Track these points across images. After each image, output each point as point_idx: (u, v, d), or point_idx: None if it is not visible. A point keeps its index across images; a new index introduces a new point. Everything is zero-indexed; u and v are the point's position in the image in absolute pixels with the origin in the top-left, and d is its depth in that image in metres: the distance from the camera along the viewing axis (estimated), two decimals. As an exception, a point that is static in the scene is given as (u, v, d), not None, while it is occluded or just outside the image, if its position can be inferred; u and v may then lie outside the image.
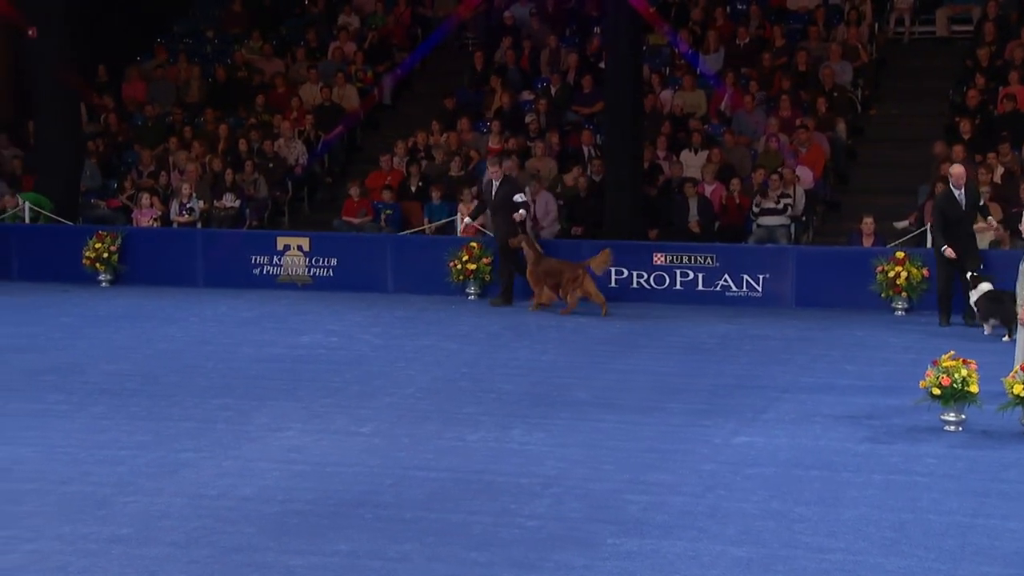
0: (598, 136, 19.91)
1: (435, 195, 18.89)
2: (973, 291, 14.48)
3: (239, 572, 7.38)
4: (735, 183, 18.32)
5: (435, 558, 7.64)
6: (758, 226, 17.97)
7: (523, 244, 15.80)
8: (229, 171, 19.65)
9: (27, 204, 18.76)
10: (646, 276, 16.95)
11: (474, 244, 17.11)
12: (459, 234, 16.64)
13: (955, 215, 14.88)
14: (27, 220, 18.72)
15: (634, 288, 16.95)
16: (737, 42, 21.31)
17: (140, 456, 9.58)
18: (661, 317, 15.84)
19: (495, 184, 16.10)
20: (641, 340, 14.48)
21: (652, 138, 19.30)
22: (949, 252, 14.71)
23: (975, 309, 14.51)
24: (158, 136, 21.10)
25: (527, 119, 20.43)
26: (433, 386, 12.11)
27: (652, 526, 8.17)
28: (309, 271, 17.91)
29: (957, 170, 15.07)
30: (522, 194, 16.04)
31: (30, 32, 19.19)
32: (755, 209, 18.05)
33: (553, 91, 20.99)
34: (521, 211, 15.85)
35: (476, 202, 17.19)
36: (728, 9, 22.23)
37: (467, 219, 16.79)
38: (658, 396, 11.67)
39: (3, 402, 11.14)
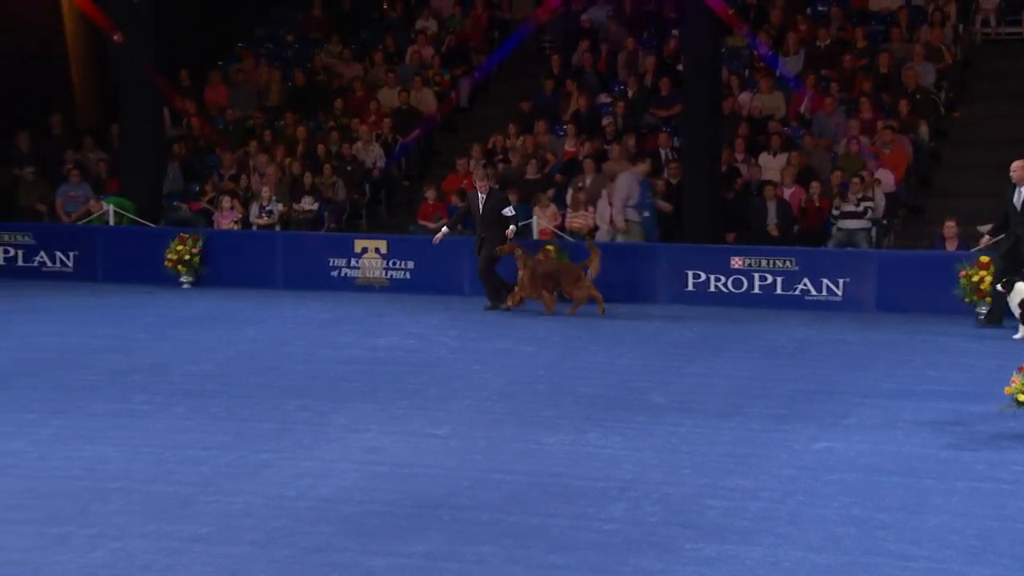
0: (675, 139, 19.83)
1: (512, 198, 18.91)
2: (1010, 295, 14.28)
3: (319, 572, 7.45)
4: (815, 186, 18.15)
5: (512, 561, 7.65)
6: (838, 229, 17.78)
7: (516, 252, 15.75)
8: (308, 174, 19.84)
9: (111, 207, 19.07)
10: (724, 280, 16.85)
11: (550, 247, 17.12)
12: (434, 243, 16.49)
13: (1011, 213, 14.81)
14: (111, 223, 19.04)
15: (711, 292, 16.87)
16: (818, 44, 21.11)
17: (221, 456, 9.70)
18: (739, 321, 15.73)
19: (481, 197, 16.03)
20: (719, 344, 14.39)
21: (730, 140, 19.18)
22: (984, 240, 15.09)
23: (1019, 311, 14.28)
24: (239, 139, 21.37)
25: (604, 122, 20.39)
26: (509, 389, 12.12)
27: (731, 532, 8.11)
28: (387, 273, 18.03)
29: (1016, 164, 14.86)
30: (511, 207, 16.09)
31: (116, 37, 19.53)
32: (835, 212, 17.86)
33: (630, 94, 20.93)
34: (511, 227, 15.89)
35: (450, 217, 17.17)
36: (809, 11, 22.03)
37: (442, 231, 16.48)
38: (736, 400, 11.59)
39: (89, 402, 11.34)
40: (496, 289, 16.06)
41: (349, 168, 20.28)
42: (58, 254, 18.73)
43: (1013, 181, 14.83)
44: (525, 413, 11.16)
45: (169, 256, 18.08)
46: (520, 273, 15.77)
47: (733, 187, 18.82)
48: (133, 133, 19.76)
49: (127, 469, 9.31)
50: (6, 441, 10.01)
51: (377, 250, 18.04)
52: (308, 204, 19.55)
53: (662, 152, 19.72)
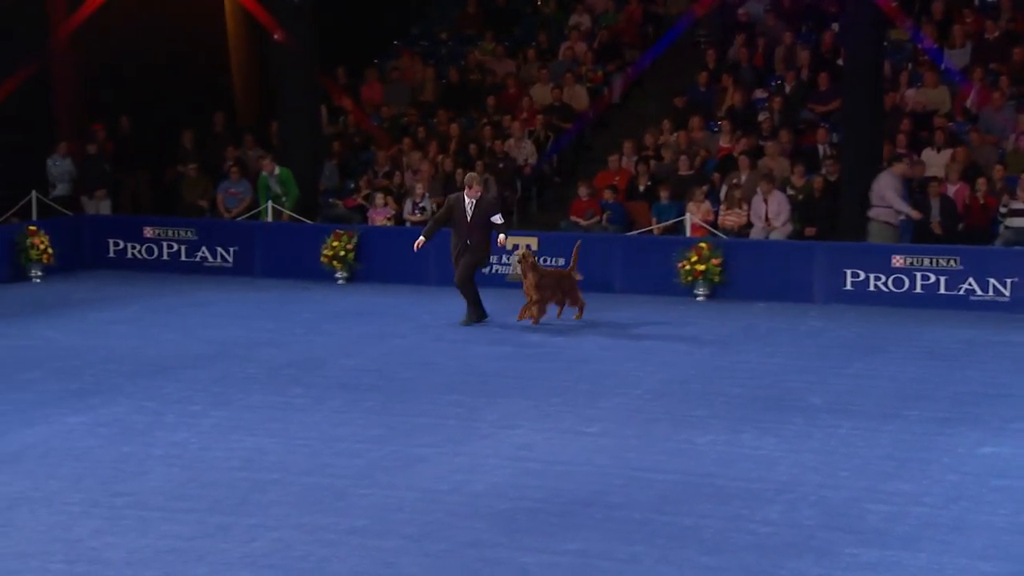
0: (834, 135, 19.45)
1: (663, 195, 18.81)
2: None
3: (472, 567, 7.52)
4: (981, 183, 17.61)
5: (665, 561, 7.61)
6: (1006, 227, 17.21)
7: (526, 259, 15.26)
8: (460, 171, 20.00)
9: (269, 205, 19.50)
10: (884, 279, 16.48)
11: (703, 245, 16.96)
12: (415, 249, 15.51)
13: None
14: (270, 218, 19.49)
15: (871, 291, 16.50)
16: (986, 36, 20.45)
17: (376, 450, 9.86)
18: (900, 321, 15.36)
19: (469, 203, 15.00)
20: (878, 344, 14.08)
21: (891, 136, 18.73)
22: None
23: None
24: (394, 136, 21.68)
25: (760, 117, 20.11)
26: (662, 388, 12.06)
27: (893, 537, 7.93)
28: (538, 270, 18.05)
29: None
30: (499, 214, 15.31)
31: (277, 36, 19.99)
32: (1003, 210, 17.30)
33: (787, 89, 20.60)
34: (502, 236, 15.25)
35: (430, 221, 15.91)
36: (977, 2, 21.36)
37: (420, 240, 15.34)
38: (897, 403, 11.33)
39: (248, 394, 11.63)
40: (477, 300, 15.14)
41: (501, 165, 20.39)
42: (219, 249, 19.25)
43: None
44: (677, 412, 11.09)
45: (325, 252, 18.43)
46: (525, 282, 15.22)
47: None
48: (292, 131, 20.20)
49: (284, 461, 9.53)
50: (171, 432, 10.33)
51: (528, 246, 18.08)
52: (460, 201, 19.69)
53: (820, 148, 19.36)
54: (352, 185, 20.79)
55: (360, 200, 20.25)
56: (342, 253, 18.38)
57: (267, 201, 19.38)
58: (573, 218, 19.25)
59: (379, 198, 19.70)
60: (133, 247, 19.47)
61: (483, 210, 15.09)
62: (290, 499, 8.64)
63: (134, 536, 7.88)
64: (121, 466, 9.24)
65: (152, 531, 7.97)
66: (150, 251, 19.41)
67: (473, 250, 15.06)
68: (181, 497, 8.67)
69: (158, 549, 7.67)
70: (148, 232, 19.46)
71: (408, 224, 19.44)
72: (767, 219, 18.03)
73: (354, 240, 18.45)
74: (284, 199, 19.34)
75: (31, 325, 14.88)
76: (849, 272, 16.50)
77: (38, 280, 18.15)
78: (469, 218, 15.02)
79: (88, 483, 8.01)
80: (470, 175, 15.68)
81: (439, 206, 19.43)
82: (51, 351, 13.46)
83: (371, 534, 8.02)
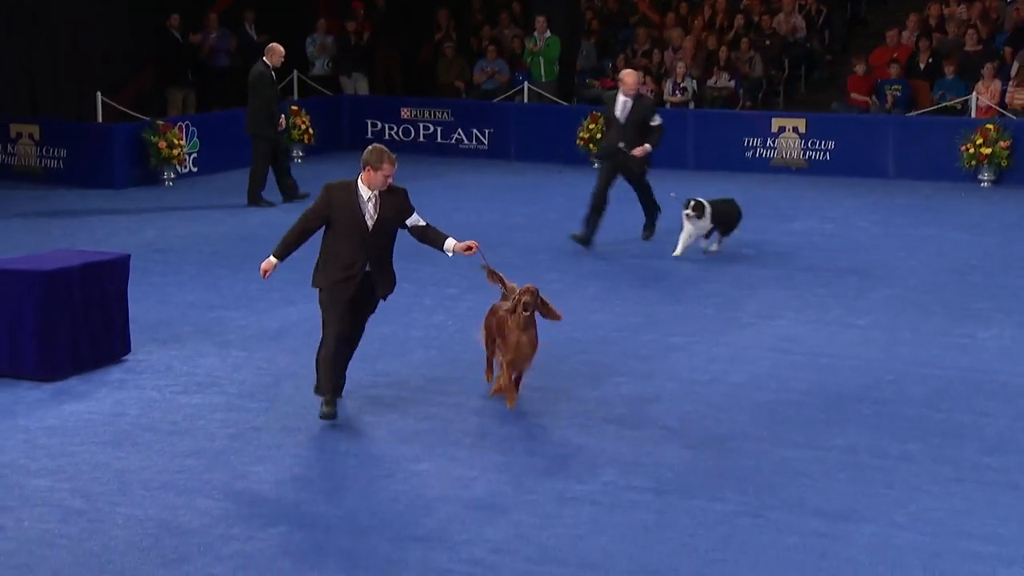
0: None
1: (948, 70, 17.94)
2: None
3: (733, 461, 7.48)
4: None
5: (941, 460, 7.39)
6: None
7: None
8: (724, 48, 19.60)
9: (525, 84, 19.58)
10: None
11: (990, 127, 16.17)
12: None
13: None
14: (525, 99, 19.59)
15: None
16: None
17: (632, 338, 9.89)
18: None
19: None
20: None
21: None
22: None
23: None
24: (658, 10, 21.33)
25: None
26: (938, 279, 11.64)
27: None
28: (804, 154, 17.65)
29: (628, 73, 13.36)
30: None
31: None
32: None
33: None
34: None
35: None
36: None
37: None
38: None
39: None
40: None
41: (768, 42, 19.85)
42: (474, 131, 19.52)
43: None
44: (956, 305, 10.70)
45: (581, 135, 18.43)
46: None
47: None
48: (551, 10, 20.17)
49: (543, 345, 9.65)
50: (428, 314, 10.63)
51: (795, 129, 17.66)
52: (723, 81, 19.33)
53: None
54: (609, 65, 20.64)
55: (618, 80, 20.08)
56: (598, 136, 18.32)
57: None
58: (854, 94, 18.51)
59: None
60: (391, 128, 19.94)
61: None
62: (546, 384, 8.75)
63: (394, 417, 8.17)
64: (383, 347, 9.55)
65: (411, 413, 8.24)
66: (407, 132, 19.85)
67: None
68: (437, 380, 8.92)
69: (418, 430, 7.93)
70: (405, 113, 19.88)
71: (668, 105, 19.21)
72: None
73: (612, 122, 18.34)
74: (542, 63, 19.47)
75: (295, 204, 15.45)
76: None
77: (299, 161, 18.80)
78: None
79: (352, 362, 8.32)
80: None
81: (701, 85, 19.15)
82: (311, 233, 13.97)
83: (628, 423, 8.07)
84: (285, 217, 14.82)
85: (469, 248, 8.18)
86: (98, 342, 9.20)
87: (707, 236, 12.67)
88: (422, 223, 8.18)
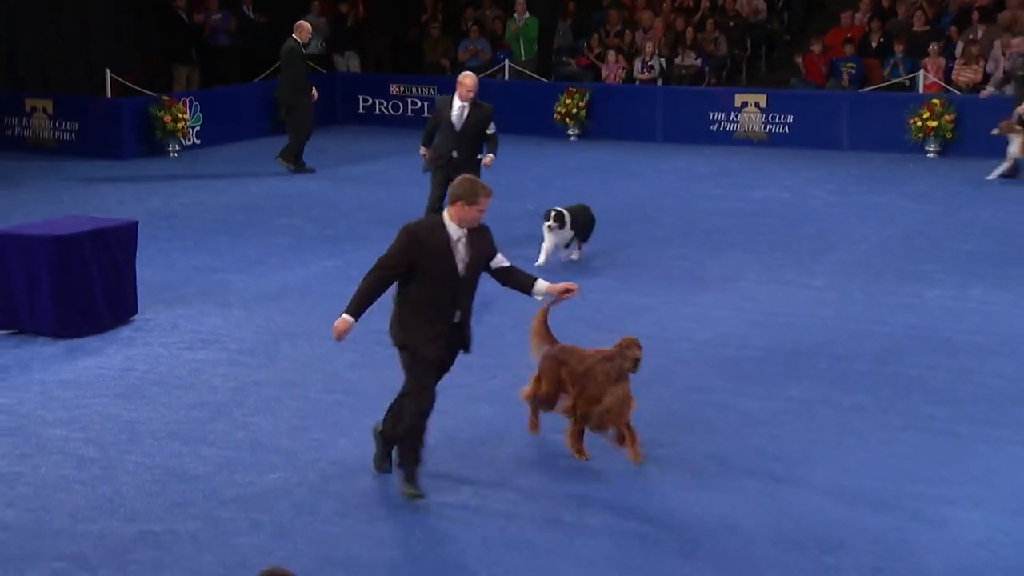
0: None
1: (898, 49, 17.90)
2: None
3: (697, 410, 7.51)
4: None
5: (890, 410, 7.43)
6: None
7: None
8: (691, 29, 19.52)
9: (506, 62, 19.48)
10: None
11: (936, 101, 16.16)
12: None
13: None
14: (506, 76, 19.48)
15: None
16: None
17: (605, 300, 9.87)
18: None
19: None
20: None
21: None
22: None
23: None
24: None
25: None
26: (888, 244, 11.66)
27: (1125, 395, 7.53)
28: (765, 128, 17.62)
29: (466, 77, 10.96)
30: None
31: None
32: None
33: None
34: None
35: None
36: None
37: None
38: None
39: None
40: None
41: (732, 23, 19.77)
42: (458, 107, 19.39)
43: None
44: (904, 267, 10.72)
45: (558, 109, 18.36)
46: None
47: None
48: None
49: (520, 308, 9.63)
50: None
51: (757, 104, 17.63)
52: (690, 59, 19.27)
53: (1063, 1, 18.05)
54: (584, 44, 20.54)
55: (592, 59, 20.01)
56: (574, 111, 18.27)
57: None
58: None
59: (610, 56, 19.43)
60: (380, 103, 19.81)
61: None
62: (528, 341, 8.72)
63: (387, 371, 8.15)
64: (374, 306, 9.49)
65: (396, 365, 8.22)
66: (395, 107, 19.72)
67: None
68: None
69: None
70: (394, 89, 19.75)
71: (638, 82, 19.14)
72: (1004, 75, 16.97)
73: (586, 98, 18.29)
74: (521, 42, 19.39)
75: (291, 175, 15.38)
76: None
77: (294, 135, 18.64)
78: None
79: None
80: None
81: (668, 64, 19.08)
82: (308, 201, 13.92)
83: (601, 376, 8.06)
84: (289, 187, 14.82)
85: (569, 291, 6.58)
86: (109, 302, 9.15)
87: (567, 245, 11.08)
88: (506, 264, 6.54)
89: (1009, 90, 15.89)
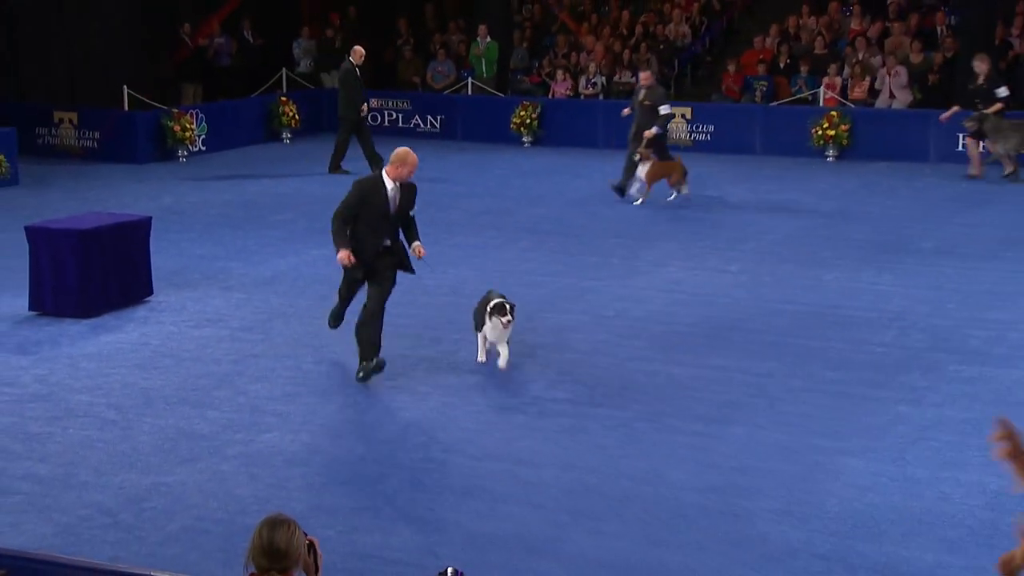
0: (952, 17, 18.25)
1: (803, 69, 18.00)
2: None
3: (633, 377, 7.54)
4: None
5: (795, 375, 7.50)
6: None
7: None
8: (627, 51, 19.52)
9: (469, 80, 19.42)
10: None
11: (834, 113, 16.27)
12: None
13: None
14: (469, 92, 19.42)
15: (981, 152, 15.60)
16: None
17: (555, 282, 9.90)
18: (1014, 180, 14.52)
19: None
20: (986, 197, 13.37)
21: (1007, 17, 17.44)
22: None
23: None
24: (575, 22, 21.17)
25: (888, 1, 18.98)
26: (793, 234, 11.73)
27: (991, 356, 7.65)
28: (690, 136, 17.67)
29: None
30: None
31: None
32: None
33: (912, -25, 19.31)
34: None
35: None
36: None
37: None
38: (999, 247, 10.80)
39: (452, 235, 11.76)
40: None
41: (662, 46, 19.80)
42: (429, 117, 19.31)
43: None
44: (806, 254, 10.80)
45: (514, 120, 18.32)
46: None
47: (1005, 59, 17.19)
48: (490, 19, 19.96)
49: (480, 289, 9.58)
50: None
51: (683, 116, 17.66)
52: (627, 77, 19.26)
53: (938, 29, 18.21)
54: (536, 64, 20.51)
55: (543, 76, 19.98)
56: (528, 121, 18.24)
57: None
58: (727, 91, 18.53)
59: (559, 75, 19.41)
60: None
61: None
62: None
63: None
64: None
65: (395, 348, 8.18)
66: (374, 118, 19.49)
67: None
68: (402, 316, 8.85)
69: (386, 351, 7.81)
70: (373, 103, 19.60)
71: (582, 97, 19.13)
72: (891, 91, 17.14)
73: (538, 111, 18.27)
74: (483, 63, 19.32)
75: (284, 176, 15.27)
76: (961, 136, 15.60)
77: (287, 141, 18.54)
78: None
79: (330, 303, 8.25)
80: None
81: (608, 81, 19.07)
82: (299, 199, 13.83)
83: (551, 348, 8.09)
84: (282, 187, 14.71)
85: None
86: (126, 286, 9.08)
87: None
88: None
89: (896, 104, 15.99)
